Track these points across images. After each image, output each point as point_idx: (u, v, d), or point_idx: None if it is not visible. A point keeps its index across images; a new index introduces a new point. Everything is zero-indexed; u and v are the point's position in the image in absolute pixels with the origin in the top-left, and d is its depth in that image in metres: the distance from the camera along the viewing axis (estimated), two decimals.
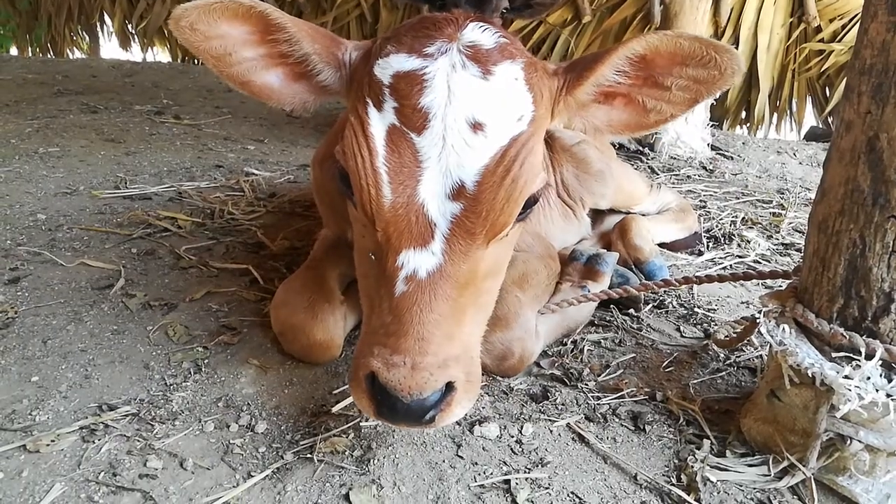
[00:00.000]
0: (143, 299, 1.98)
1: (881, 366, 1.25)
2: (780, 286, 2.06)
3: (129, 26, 9.04)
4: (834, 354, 1.30)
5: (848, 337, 1.28)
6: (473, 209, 1.15)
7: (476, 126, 1.15)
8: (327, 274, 1.80)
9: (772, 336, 1.38)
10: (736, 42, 5.99)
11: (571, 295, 1.99)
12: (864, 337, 1.27)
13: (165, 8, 8.38)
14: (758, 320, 1.45)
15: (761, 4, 5.81)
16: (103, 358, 1.66)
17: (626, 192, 2.69)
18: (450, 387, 1.15)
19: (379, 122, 1.19)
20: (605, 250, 2.31)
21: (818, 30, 5.79)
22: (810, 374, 1.29)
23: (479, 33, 1.25)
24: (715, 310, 2.22)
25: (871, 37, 1.24)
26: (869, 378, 1.23)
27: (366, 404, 1.15)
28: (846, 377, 1.24)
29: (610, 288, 2.14)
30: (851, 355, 1.28)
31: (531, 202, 1.23)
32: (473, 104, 1.16)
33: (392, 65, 1.21)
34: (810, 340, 1.36)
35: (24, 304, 1.91)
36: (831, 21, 5.71)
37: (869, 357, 1.25)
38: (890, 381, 1.23)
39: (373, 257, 1.22)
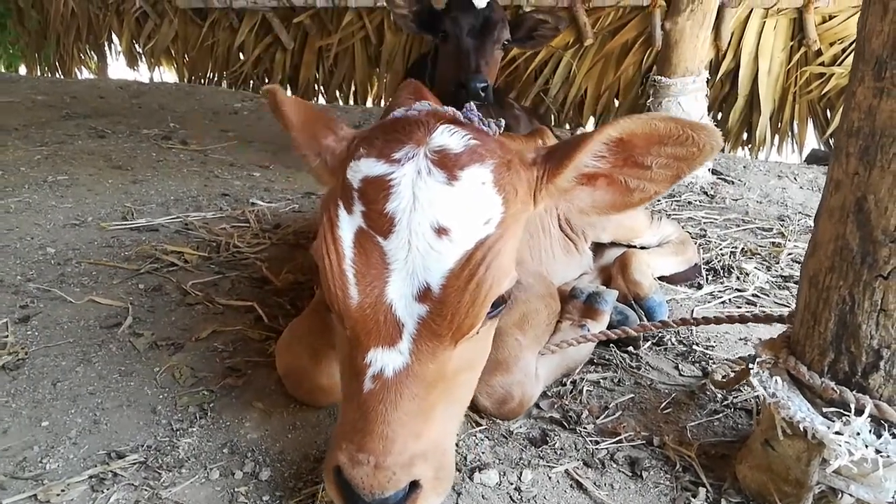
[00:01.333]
0: (151, 339, 2.02)
1: (871, 421, 1.27)
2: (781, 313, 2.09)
3: (137, 46, 9.15)
4: (825, 409, 1.33)
5: (839, 392, 1.31)
6: (439, 312, 1.15)
7: (440, 231, 1.15)
8: (331, 318, 1.84)
9: (765, 388, 1.41)
10: (737, 66, 6.06)
11: (571, 335, 2.02)
12: (854, 392, 1.30)
13: (172, 28, 8.49)
14: (752, 368, 1.48)
15: (762, 29, 5.87)
16: (112, 401, 1.70)
17: (627, 226, 2.72)
18: (415, 485, 1.16)
19: (348, 225, 1.20)
20: (605, 287, 2.34)
21: (818, 53, 5.84)
22: (802, 428, 1.32)
23: (448, 137, 1.24)
24: (713, 346, 2.25)
25: (858, 100, 1.28)
26: (859, 434, 1.26)
27: (334, 495, 1.19)
28: (837, 433, 1.27)
29: (609, 326, 2.18)
30: (842, 410, 1.30)
31: (500, 302, 1.23)
32: (438, 210, 1.16)
33: (362, 169, 1.23)
34: (802, 392, 1.39)
35: (35, 344, 1.96)
36: (832, 45, 5.76)
37: (859, 412, 1.28)
38: (879, 436, 1.26)
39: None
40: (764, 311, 2.47)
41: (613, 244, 2.75)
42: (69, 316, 2.14)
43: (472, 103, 1.80)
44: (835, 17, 5.72)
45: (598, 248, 2.75)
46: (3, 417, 1.64)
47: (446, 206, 1.16)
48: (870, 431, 1.27)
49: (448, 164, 1.20)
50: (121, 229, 2.95)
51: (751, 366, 1.50)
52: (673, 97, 4.52)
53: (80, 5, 9.12)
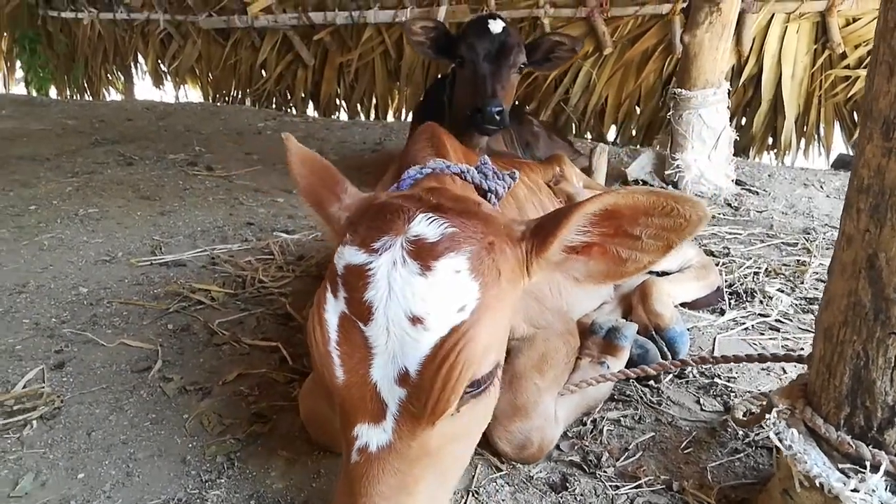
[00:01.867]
0: (180, 383, 2.09)
1: (887, 477, 1.28)
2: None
3: (162, 66, 9.34)
4: (841, 465, 1.33)
5: (855, 446, 1.31)
6: (416, 395, 1.18)
7: (415, 320, 1.17)
8: None
9: (781, 440, 1.41)
10: (760, 70, 5.99)
11: (591, 372, 2.04)
12: (870, 447, 1.30)
13: (196, 48, 8.66)
14: (769, 419, 1.49)
15: (784, 33, 5.80)
16: (143, 451, 1.76)
17: None
18: None
19: (333, 309, 1.24)
20: (624, 320, 2.35)
21: (843, 56, 5.75)
22: (818, 483, 1.32)
23: (426, 226, 1.25)
24: (735, 378, 2.25)
25: (867, 157, 1.28)
26: (875, 491, 1.26)
27: None
28: (853, 490, 1.27)
29: (629, 361, 2.19)
30: (858, 466, 1.31)
31: (479, 384, 1.25)
32: (411, 300, 1.18)
33: (345, 256, 1.26)
34: (819, 444, 1.39)
35: (70, 391, 2.03)
36: (856, 47, 5.67)
37: (875, 468, 1.28)
38: (895, 493, 1.26)
39: None
40: (786, 343, 2.48)
41: None
42: (102, 360, 2.21)
43: (486, 156, 1.84)
44: (858, 19, 5.63)
45: None
46: (42, 469, 1.71)
47: (419, 296, 1.18)
48: (886, 489, 1.27)
49: (422, 254, 1.21)
50: (150, 265, 3.03)
51: (767, 415, 1.50)
52: (693, 109, 4.49)
53: (107, 28, 9.35)
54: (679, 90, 4.52)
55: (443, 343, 1.17)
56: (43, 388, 2.01)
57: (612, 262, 1.34)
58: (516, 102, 5.08)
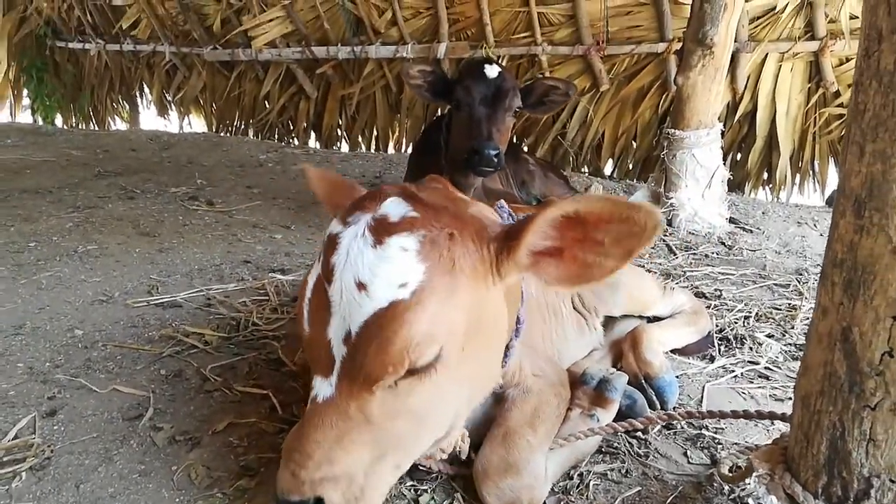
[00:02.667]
0: (170, 432, 2.10)
1: None
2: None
3: (167, 96, 9.46)
4: None
5: None
6: (353, 356, 1.32)
7: (360, 285, 1.31)
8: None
9: None
10: (754, 107, 6.06)
11: (581, 424, 2.06)
12: None
13: (201, 80, 8.78)
14: (749, 483, 1.50)
15: (778, 71, 5.88)
16: None
17: (639, 300, 2.75)
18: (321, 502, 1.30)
19: (315, 272, 1.43)
20: (614, 370, 2.36)
21: (837, 94, 5.83)
22: None
23: (393, 208, 1.40)
24: (723, 429, 2.25)
25: (840, 232, 1.31)
26: None
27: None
28: None
29: (619, 411, 2.20)
30: None
31: (418, 370, 1.34)
32: (360, 267, 1.32)
33: (331, 228, 1.45)
34: None
35: (60, 441, 2.04)
36: (850, 86, 5.72)
37: None
38: None
39: None
40: (774, 393, 2.50)
41: (625, 316, 2.78)
42: (93, 407, 2.23)
43: (503, 201, 1.90)
44: (852, 59, 5.70)
45: (609, 319, 2.77)
46: None
47: (367, 265, 1.32)
48: None
49: (380, 230, 1.36)
50: (146, 307, 3.05)
51: (747, 479, 1.52)
52: (687, 149, 4.55)
53: (114, 59, 9.48)
54: (673, 130, 4.58)
55: (382, 314, 1.29)
56: (34, 438, 2.02)
57: (579, 266, 1.42)
58: (513, 140, 5.15)
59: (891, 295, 1.21)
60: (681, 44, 5.74)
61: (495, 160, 3.40)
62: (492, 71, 3.58)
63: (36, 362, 2.53)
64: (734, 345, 2.87)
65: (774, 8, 5.54)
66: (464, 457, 1.82)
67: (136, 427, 2.13)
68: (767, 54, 5.82)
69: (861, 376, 1.27)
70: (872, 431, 1.27)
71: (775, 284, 3.71)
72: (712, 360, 2.75)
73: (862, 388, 1.27)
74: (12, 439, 2.03)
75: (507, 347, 1.77)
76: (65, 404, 2.24)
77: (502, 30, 6.64)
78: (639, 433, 2.20)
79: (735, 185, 6.38)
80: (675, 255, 4.18)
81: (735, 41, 5.47)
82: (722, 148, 4.77)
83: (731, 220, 4.91)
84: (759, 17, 5.70)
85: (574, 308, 2.62)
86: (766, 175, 6.41)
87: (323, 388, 1.36)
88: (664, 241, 4.45)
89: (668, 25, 5.91)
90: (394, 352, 1.29)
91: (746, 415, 1.86)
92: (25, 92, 10.38)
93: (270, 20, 7.56)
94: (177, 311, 3.04)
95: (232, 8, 7.71)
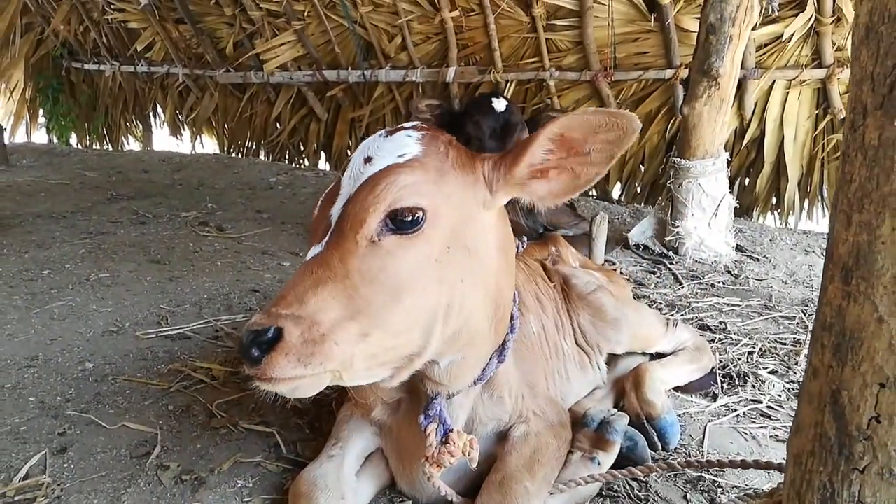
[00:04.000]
0: (176, 471, 2.14)
1: None
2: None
3: (180, 116, 9.60)
4: None
5: None
6: (345, 212, 1.48)
7: (367, 160, 1.54)
8: (346, 460, 1.94)
9: None
10: (762, 133, 6.08)
11: (581, 469, 2.07)
12: None
13: (213, 101, 8.92)
14: None
15: (786, 98, 5.90)
16: None
17: (642, 337, 2.77)
18: (279, 337, 1.33)
19: (341, 175, 1.61)
20: (616, 411, 2.38)
21: (844, 121, 5.83)
22: None
23: (409, 124, 1.66)
24: (723, 472, 2.26)
25: (829, 297, 1.34)
26: None
27: None
28: None
29: (620, 454, 2.22)
30: None
31: (407, 223, 1.47)
32: (371, 149, 1.57)
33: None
34: None
35: (70, 479, 2.09)
36: None
37: None
38: None
39: None
40: (775, 433, 2.51)
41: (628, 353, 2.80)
42: (102, 444, 2.27)
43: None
44: None
45: (612, 356, 2.79)
46: None
47: (376, 146, 1.57)
48: None
49: (394, 130, 1.63)
50: (156, 338, 3.11)
51: None
52: (693, 178, 4.57)
53: (128, 80, 9.65)
54: (679, 160, 4.61)
55: (378, 172, 1.50)
56: (45, 478, 2.06)
57: (567, 178, 1.60)
58: None
59: (877, 362, 1.24)
60: (688, 70, 5.81)
61: None
62: (499, 105, 3.64)
63: (47, 396, 2.59)
64: (737, 382, 2.88)
65: (781, 36, 5.56)
66: (473, 465, 1.81)
67: (143, 465, 2.17)
68: (775, 81, 5.84)
69: (850, 439, 1.29)
70: (861, 494, 1.29)
71: (781, 317, 3.72)
72: (715, 398, 2.76)
73: (851, 451, 1.29)
74: (23, 478, 2.07)
75: (504, 342, 1.84)
76: (75, 441, 2.29)
77: (510, 55, 6.72)
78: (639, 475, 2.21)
79: (743, 211, 6.39)
80: (681, 284, 4.19)
81: (742, 68, 5.52)
82: (728, 177, 4.80)
83: (738, 248, 4.92)
84: (766, 45, 5.73)
85: (577, 345, 2.65)
86: (774, 200, 6.41)
87: (314, 250, 1.48)
88: (670, 270, 4.47)
89: (676, 52, 5.96)
90: (379, 191, 1.45)
91: (744, 464, 1.88)
92: (41, 111, 10.57)
93: (282, 44, 7.69)
94: (185, 343, 3.09)
95: (245, 32, 7.85)
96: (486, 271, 1.66)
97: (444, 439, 1.68)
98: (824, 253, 4.74)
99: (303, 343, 1.33)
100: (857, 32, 1.27)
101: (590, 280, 2.76)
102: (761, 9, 4.48)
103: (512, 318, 1.85)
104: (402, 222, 1.46)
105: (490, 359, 1.79)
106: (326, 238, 1.47)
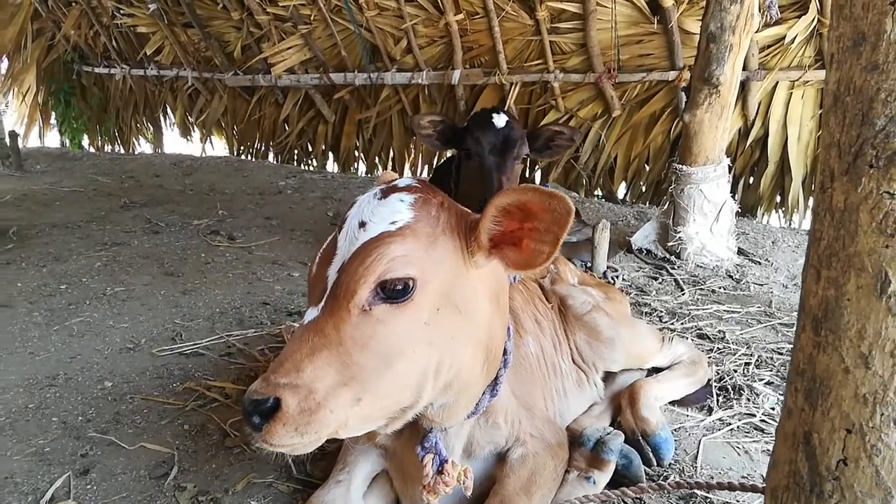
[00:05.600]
0: (193, 492, 2.25)
1: None
2: None
3: (190, 118, 9.72)
4: None
5: None
6: (339, 279, 1.52)
7: (361, 224, 1.59)
8: (353, 485, 2.04)
9: None
10: (766, 133, 6.11)
11: (577, 489, 2.17)
12: None
13: (222, 104, 9.02)
14: None
15: (789, 98, 5.93)
16: None
17: (637, 354, 2.86)
18: (277, 407, 1.41)
19: (333, 234, 1.67)
20: (611, 429, 2.47)
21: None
22: None
23: (403, 181, 1.71)
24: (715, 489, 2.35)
25: (801, 344, 1.42)
26: None
27: None
28: None
29: (615, 471, 2.31)
30: None
31: (398, 292, 1.52)
32: (365, 212, 1.61)
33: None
34: None
35: (93, 501, 2.21)
36: None
37: None
38: None
39: None
40: (767, 448, 2.59)
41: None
42: (123, 465, 2.39)
43: None
44: None
45: (609, 373, 2.88)
46: None
47: (370, 210, 1.61)
48: None
49: (387, 191, 1.66)
50: (171, 355, 3.23)
51: None
52: (695, 185, 4.63)
53: (138, 83, 9.76)
54: (680, 166, 4.67)
55: (371, 240, 1.54)
56: (69, 502, 2.19)
57: (528, 253, 1.63)
58: (525, 175, 5.26)
59: (844, 409, 1.32)
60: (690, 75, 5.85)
61: None
62: (500, 120, 3.71)
63: (69, 416, 2.71)
64: (732, 395, 2.96)
65: (784, 38, 5.58)
66: (468, 493, 1.89)
67: (161, 486, 2.29)
68: (778, 82, 5.87)
69: (820, 479, 1.38)
70: None
71: (780, 324, 3.79)
72: (710, 411, 2.85)
73: (821, 490, 1.38)
74: (49, 501, 2.20)
75: (497, 377, 1.89)
76: (97, 462, 2.41)
77: (515, 57, 6.77)
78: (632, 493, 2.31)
79: (748, 210, 6.43)
80: (682, 290, 4.27)
81: (746, 69, 5.57)
82: (733, 176, 4.85)
83: (740, 252, 4.98)
84: (769, 46, 5.75)
85: (574, 363, 2.74)
86: (778, 199, 6.45)
87: (311, 313, 1.54)
88: (672, 275, 4.54)
89: (679, 54, 5.99)
90: (370, 262, 1.50)
91: (731, 486, 1.97)
92: (53, 115, 10.71)
93: (289, 48, 7.77)
94: (199, 360, 3.21)
95: (252, 36, 7.92)
96: (476, 325, 1.71)
97: (439, 469, 1.78)
98: None
99: (300, 413, 1.42)
100: (826, 98, 1.35)
101: (586, 300, 2.84)
102: (762, 17, 4.51)
103: (505, 352, 1.90)
104: (393, 291, 1.51)
105: (483, 394, 1.86)
106: (322, 303, 1.53)
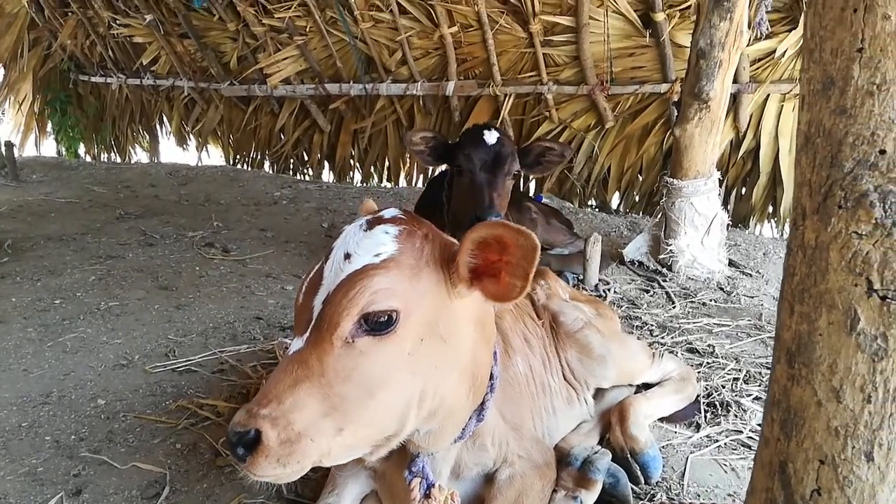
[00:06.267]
0: None
1: None
2: None
3: (186, 127, 9.74)
4: None
5: None
6: (323, 310, 1.54)
7: (346, 256, 1.60)
8: None
9: None
10: (757, 145, 6.16)
11: None
12: None
13: (218, 113, 9.06)
14: None
15: (780, 110, 5.97)
16: None
17: (628, 371, 2.88)
18: (259, 439, 1.43)
19: (320, 261, 1.69)
20: (599, 448, 2.50)
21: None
22: None
23: (388, 212, 1.73)
24: None
25: (777, 376, 1.45)
26: None
27: None
28: None
29: (602, 489, 2.34)
30: None
31: (381, 325, 1.53)
32: (350, 243, 1.62)
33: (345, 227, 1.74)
34: None
35: None
36: None
37: None
38: None
39: None
40: None
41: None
42: (115, 486, 2.41)
43: None
44: None
45: (599, 389, 2.90)
46: None
47: (355, 242, 1.62)
48: None
49: (373, 222, 1.67)
50: (163, 372, 3.25)
51: None
52: (685, 198, 4.67)
53: (134, 92, 9.79)
54: (671, 180, 4.71)
55: (355, 272, 1.56)
56: None
57: (503, 286, 1.64)
58: (518, 187, 5.29)
59: (817, 441, 1.35)
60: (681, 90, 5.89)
61: None
62: (491, 137, 3.74)
63: (62, 435, 2.73)
64: (720, 411, 2.99)
65: (774, 52, 5.63)
66: None
67: None
68: (769, 94, 5.92)
69: None
70: None
71: (769, 338, 3.82)
72: (698, 428, 2.88)
73: None
74: None
75: (483, 402, 1.90)
76: (89, 482, 2.43)
77: (509, 69, 6.81)
78: None
79: (740, 220, 6.48)
80: (673, 304, 4.30)
81: (737, 82, 5.62)
82: (725, 187, 4.88)
83: (731, 263, 5.02)
84: (760, 59, 5.80)
85: (565, 380, 2.76)
86: (770, 209, 6.49)
87: (296, 344, 1.56)
88: (664, 288, 4.58)
89: (671, 67, 6.03)
90: (353, 295, 1.51)
91: None
92: (49, 123, 10.73)
93: (285, 59, 7.80)
94: (192, 377, 3.23)
95: (248, 47, 7.96)
96: (461, 353, 1.73)
97: (427, 493, 1.81)
98: None
99: (280, 444, 1.44)
100: (798, 138, 1.38)
101: (577, 317, 2.87)
102: (751, 33, 4.56)
103: (492, 377, 1.92)
104: (376, 324, 1.53)
105: (470, 419, 1.88)
106: (307, 334, 1.55)
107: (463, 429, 1.88)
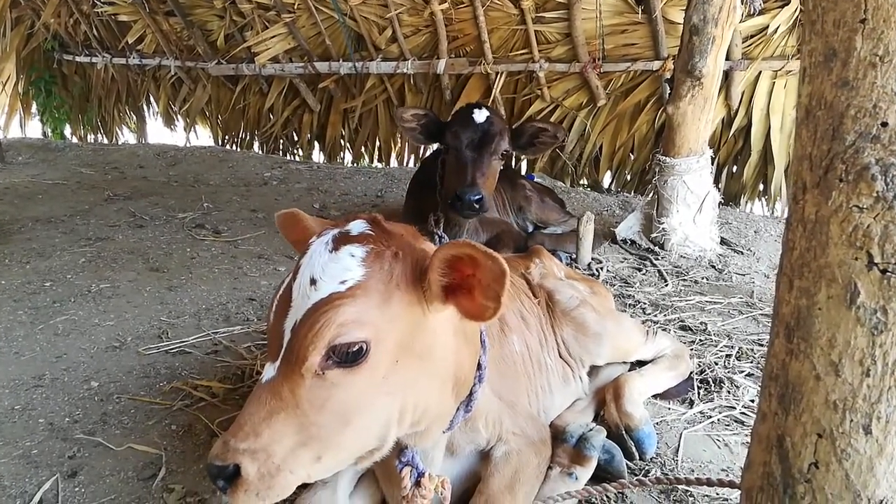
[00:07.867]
0: (181, 493, 2.27)
1: None
2: None
3: (173, 107, 9.62)
4: None
5: None
6: (292, 341, 1.49)
7: (312, 281, 1.52)
8: (339, 485, 2.07)
9: None
10: (749, 123, 6.15)
11: (560, 485, 2.21)
12: None
13: (206, 93, 8.94)
14: None
15: (772, 88, 5.96)
16: None
17: (623, 349, 2.90)
18: (238, 472, 1.43)
19: (288, 276, 1.62)
20: (594, 425, 2.52)
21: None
22: None
23: (356, 226, 1.64)
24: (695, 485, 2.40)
25: (775, 350, 1.46)
26: None
27: None
28: None
29: (598, 466, 2.36)
30: None
31: (350, 356, 1.49)
32: (316, 267, 1.54)
33: (311, 240, 1.65)
34: None
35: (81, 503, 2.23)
36: None
37: None
38: None
39: None
40: (746, 440, 2.64)
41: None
42: (111, 467, 2.41)
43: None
44: None
45: (594, 367, 2.92)
46: None
47: (321, 266, 1.54)
48: None
49: (340, 240, 1.59)
50: (157, 353, 3.23)
51: None
52: (678, 176, 4.67)
53: (120, 72, 9.65)
54: (664, 157, 4.70)
55: (321, 302, 1.49)
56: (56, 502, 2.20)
57: (476, 305, 1.59)
58: (511, 165, 5.28)
59: (815, 415, 1.36)
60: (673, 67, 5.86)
61: (476, 206, 3.55)
62: (480, 116, 3.71)
63: (56, 417, 2.72)
64: (713, 388, 3.01)
65: (767, 28, 5.60)
66: (447, 503, 1.91)
67: (150, 488, 2.31)
68: (761, 72, 5.90)
69: (793, 481, 1.42)
70: None
71: (761, 314, 3.85)
72: (691, 404, 2.90)
73: (794, 492, 1.42)
74: None
75: (471, 393, 1.87)
76: (84, 464, 2.43)
77: (500, 47, 6.75)
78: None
79: (731, 198, 6.49)
80: (665, 282, 4.31)
81: (729, 59, 5.59)
82: (717, 165, 4.88)
83: (723, 241, 5.04)
84: (752, 36, 5.78)
85: (560, 357, 2.77)
86: (761, 187, 6.50)
87: (269, 372, 1.52)
88: (656, 266, 4.58)
89: (663, 44, 6.00)
90: (318, 328, 1.45)
91: (709, 482, 2.02)
92: (34, 104, 10.56)
93: (273, 37, 7.69)
94: (186, 357, 3.21)
95: (235, 25, 7.84)
96: (441, 364, 1.69)
97: (417, 481, 1.80)
98: None
99: (259, 478, 1.43)
100: (799, 111, 1.37)
101: (573, 295, 2.87)
102: (744, 8, 4.53)
103: (480, 367, 1.88)
104: (346, 355, 1.48)
105: (457, 411, 1.85)
106: (278, 362, 1.51)
107: (451, 421, 1.86)
